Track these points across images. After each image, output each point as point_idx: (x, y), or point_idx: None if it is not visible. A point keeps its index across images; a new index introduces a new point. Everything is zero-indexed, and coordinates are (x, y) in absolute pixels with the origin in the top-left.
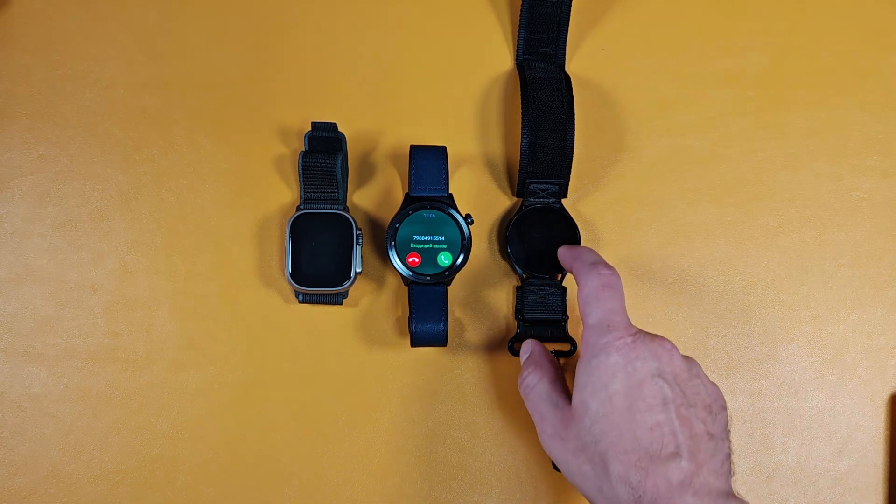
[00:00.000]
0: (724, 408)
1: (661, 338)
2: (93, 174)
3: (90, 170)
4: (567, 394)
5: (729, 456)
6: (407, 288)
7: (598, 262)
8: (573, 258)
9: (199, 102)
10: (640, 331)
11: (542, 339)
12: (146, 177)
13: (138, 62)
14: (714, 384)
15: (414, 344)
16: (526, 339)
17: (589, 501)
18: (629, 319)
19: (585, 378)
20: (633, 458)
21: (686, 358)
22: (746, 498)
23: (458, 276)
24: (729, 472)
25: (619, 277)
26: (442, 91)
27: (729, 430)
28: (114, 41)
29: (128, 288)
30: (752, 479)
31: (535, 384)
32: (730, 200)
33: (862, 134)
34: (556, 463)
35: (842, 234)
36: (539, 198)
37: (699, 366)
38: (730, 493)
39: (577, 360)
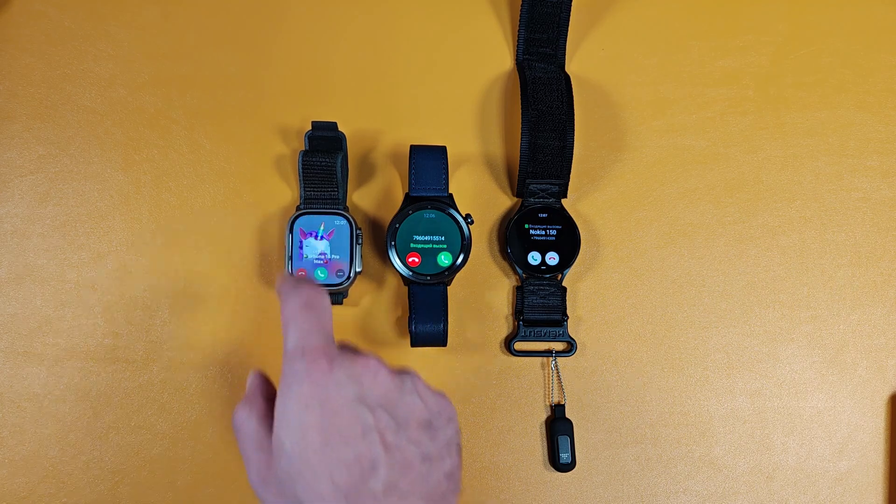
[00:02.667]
0: (452, 419)
1: (365, 356)
2: (93, 174)
3: (90, 170)
4: None
5: (453, 472)
6: (407, 288)
7: (302, 282)
8: (279, 284)
9: (198, 102)
10: (340, 353)
11: (542, 339)
12: (146, 177)
13: (138, 62)
14: (440, 394)
15: (414, 344)
16: (524, 339)
17: None
18: (331, 341)
19: (281, 411)
20: (330, 503)
21: (398, 373)
22: (746, 498)
23: (458, 276)
24: (452, 491)
25: (324, 296)
26: (442, 91)
27: (457, 444)
28: (114, 41)
29: (128, 288)
30: (752, 479)
31: (242, 423)
32: (730, 200)
33: (862, 134)
34: None
35: (842, 234)
36: (539, 198)
37: (416, 377)
38: None
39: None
